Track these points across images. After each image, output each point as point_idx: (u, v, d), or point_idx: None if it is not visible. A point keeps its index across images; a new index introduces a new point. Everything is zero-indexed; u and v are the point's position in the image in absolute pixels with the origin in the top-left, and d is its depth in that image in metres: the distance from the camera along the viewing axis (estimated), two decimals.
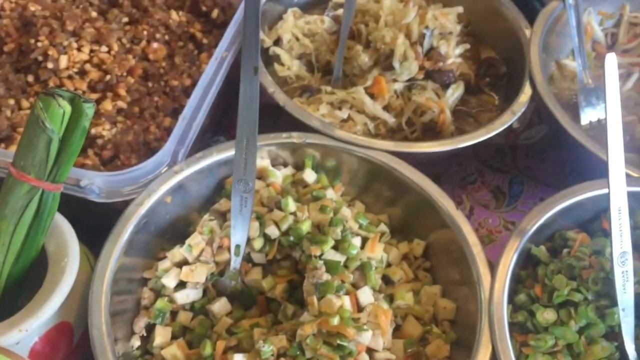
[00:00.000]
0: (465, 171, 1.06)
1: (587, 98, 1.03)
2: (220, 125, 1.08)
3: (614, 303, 0.73)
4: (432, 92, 0.96)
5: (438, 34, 1.02)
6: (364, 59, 0.97)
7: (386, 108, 0.95)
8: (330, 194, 0.84)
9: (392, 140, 0.94)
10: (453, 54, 1.00)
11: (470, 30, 1.10)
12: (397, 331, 0.76)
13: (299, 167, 0.88)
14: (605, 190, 0.79)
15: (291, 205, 0.78)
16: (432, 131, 0.95)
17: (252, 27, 0.65)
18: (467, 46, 1.02)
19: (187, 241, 0.77)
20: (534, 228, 0.79)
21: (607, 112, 0.73)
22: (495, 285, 0.73)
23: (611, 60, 0.71)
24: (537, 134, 1.10)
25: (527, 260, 0.82)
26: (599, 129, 1.03)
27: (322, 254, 0.75)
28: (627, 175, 0.85)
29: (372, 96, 0.95)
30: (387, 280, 0.80)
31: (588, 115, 1.03)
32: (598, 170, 0.82)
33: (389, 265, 0.81)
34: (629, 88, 1.08)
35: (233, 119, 1.08)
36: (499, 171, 1.06)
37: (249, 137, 0.71)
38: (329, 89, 0.96)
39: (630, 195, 0.83)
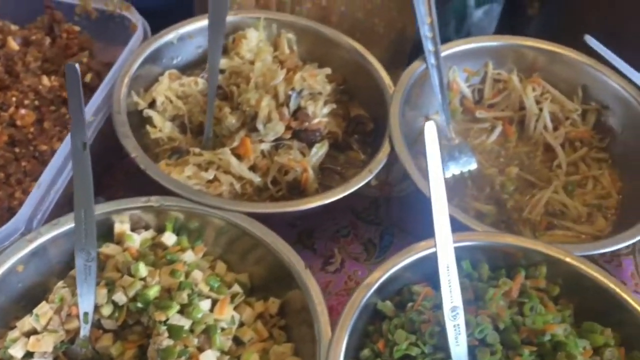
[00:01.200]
0: (339, 224, 1.10)
1: (450, 152, 1.09)
2: (99, 185, 1.10)
3: (448, 356, 0.77)
4: (298, 151, 1.00)
5: (308, 94, 1.07)
6: (231, 120, 1.01)
7: (253, 168, 0.99)
8: (189, 255, 0.86)
9: (258, 199, 0.98)
10: (320, 113, 1.05)
11: (344, 89, 1.15)
12: None
13: (163, 229, 0.91)
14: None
15: (142, 270, 0.80)
16: (297, 189, 0.98)
17: (76, 104, 0.68)
18: (334, 106, 1.07)
19: (35, 310, 0.78)
20: (379, 283, 0.83)
21: (429, 174, 0.77)
22: (333, 341, 0.77)
23: (430, 127, 0.76)
24: (409, 186, 1.15)
25: (375, 316, 0.85)
26: (461, 181, 1.09)
27: (167, 319, 0.77)
28: (471, 228, 0.91)
29: (238, 157, 0.99)
30: (238, 341, 0.82)
31: (452, 170, 1.08)
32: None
33: (242, 324, 0.84)
34: (492, 141, 1.14)
35: (116, 177, 1.12)
36: (372, 223, 1.11)
37: (85, 209, 0.73)
38: (197, 150, 0.99)
39: (475, 248, 0.89)
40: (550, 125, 1.13)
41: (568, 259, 0.87)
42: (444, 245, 0.77)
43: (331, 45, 1.16)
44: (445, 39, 2.92)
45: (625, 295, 0.84)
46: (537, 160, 1.12)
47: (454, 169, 1.09)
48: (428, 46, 1.08)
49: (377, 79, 1.09)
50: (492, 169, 1.10)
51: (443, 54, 1.13)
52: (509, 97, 1.17)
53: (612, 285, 0.84)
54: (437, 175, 0.78)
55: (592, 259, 1.07)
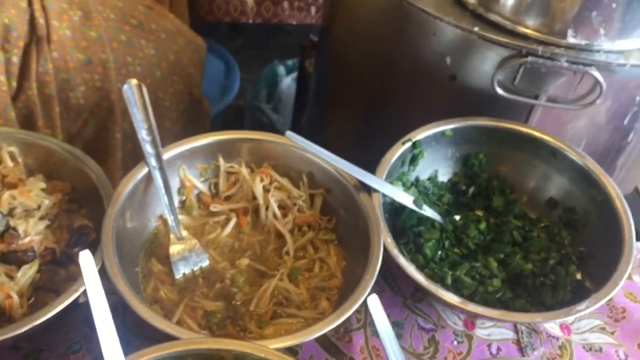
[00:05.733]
0: (72, 340, 1.06)
1: (181, 252, 1.11)
2: None
3: None
4: (4, 275, 0.97)
5: (22, 212, 1.04)
6: None
7: None
8: None
9: None
10: (33, 230, 1.02)
11: (73, 198, 1.13)
12: None
13: None
14: None
15: None
16: (4, 315, 0.94)
17: None
18: (47, 222, 1.05)
19: None
20: None
21: (90, 301, 0.77)
22: None
23: (85, 257, 0.77)
24: None
25: None
26: (192, 280, 1.11)
27: None
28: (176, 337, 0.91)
29: None
30: None
31: (182, 270, 1.09)
32: None
33: None
34: (227, 233, 1.17)
35: None
36: None
37: None
38: None
39: (187, 355, 0.90)
40: (278, 212, 1.18)
41: (261, 354, 0.89)
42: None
43: (56, 154, 1.14)
44: (256, 108, 2.99)
45: None
46: (270, 249, 1.16)
47: (184, 269, 1.10)
48: (148, 149, 1.09)
49: (98, 187, 1.09)
50: (224, 262, 1.12)
51: (172, 153, 1.16)
52: (242, 188, 1.21)
53: None
54: (98, 302, 0.78)
55: (326, 337, 1.13)
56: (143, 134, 1.10)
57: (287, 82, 3.07)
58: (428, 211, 1.19)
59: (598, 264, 1.14)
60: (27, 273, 0.98)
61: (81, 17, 1.56)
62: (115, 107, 1.67)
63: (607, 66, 1.21)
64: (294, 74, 3.03)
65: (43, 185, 1.08)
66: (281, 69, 3.09)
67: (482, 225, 1.21)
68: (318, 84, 1.97)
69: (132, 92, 1.10)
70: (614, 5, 1.14)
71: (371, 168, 1.17)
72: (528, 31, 1.20)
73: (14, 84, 1.48)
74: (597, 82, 1.21)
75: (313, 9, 2.39)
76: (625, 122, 1.35)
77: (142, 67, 1.71)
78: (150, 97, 1.67)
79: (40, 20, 1.47)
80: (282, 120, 2.87)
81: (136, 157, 1.11)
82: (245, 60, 3.12)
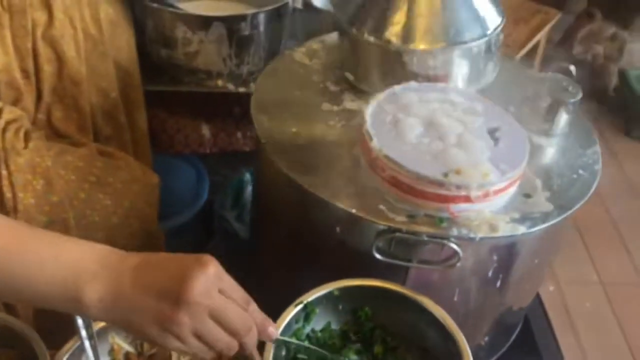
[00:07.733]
0: None
1: None
2: None
3: None
4: None
5: None
6: None
7: None
8: None
9: None
10: None
11: None
12: None
13: None
14: None
15: None
16: None
17: None
18: None
19: None
20: None
21: None
22: None
23: None
24: None
25: None
26: None
27: None
28: None
29: None
30: None
31: None
32: None
33: None
34: None
35: None
36: None
37: None
38: None
39: None
40: None
41: None
42: None
43: (11, 329, 1.41)
44: (221, 217, 3.21)
45: None
46: None
47: None
48: (80, 323, 1.36)
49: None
50: None
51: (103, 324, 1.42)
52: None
53: None
54: None
55: None
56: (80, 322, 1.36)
57: (251, 189, 3.34)
58: None
59: None
60: None
61: (43, 185, 1.84)
62: None
63: (461, 238, 1.47)
64: None
65: None
66: (247, 177, 3.35)
67: None
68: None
69: None
70: None
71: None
72: (394, 215, 1.48)
73: None
74: (455, 250, 1.48)
75: None
76: (490, 274, 1.61)
77: (100, 217, 1.98)
78: (107, 240, 1.96)
79: (8, 195, 1.75)
80: (245, 228, 3.12)
81: None
82: (216, 162, 3.36)
